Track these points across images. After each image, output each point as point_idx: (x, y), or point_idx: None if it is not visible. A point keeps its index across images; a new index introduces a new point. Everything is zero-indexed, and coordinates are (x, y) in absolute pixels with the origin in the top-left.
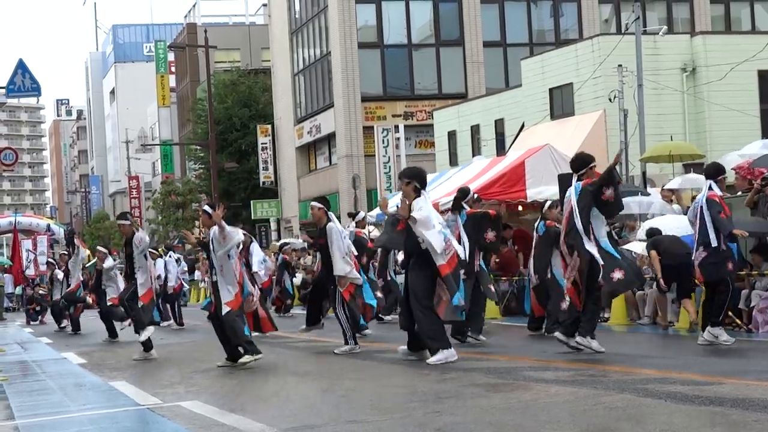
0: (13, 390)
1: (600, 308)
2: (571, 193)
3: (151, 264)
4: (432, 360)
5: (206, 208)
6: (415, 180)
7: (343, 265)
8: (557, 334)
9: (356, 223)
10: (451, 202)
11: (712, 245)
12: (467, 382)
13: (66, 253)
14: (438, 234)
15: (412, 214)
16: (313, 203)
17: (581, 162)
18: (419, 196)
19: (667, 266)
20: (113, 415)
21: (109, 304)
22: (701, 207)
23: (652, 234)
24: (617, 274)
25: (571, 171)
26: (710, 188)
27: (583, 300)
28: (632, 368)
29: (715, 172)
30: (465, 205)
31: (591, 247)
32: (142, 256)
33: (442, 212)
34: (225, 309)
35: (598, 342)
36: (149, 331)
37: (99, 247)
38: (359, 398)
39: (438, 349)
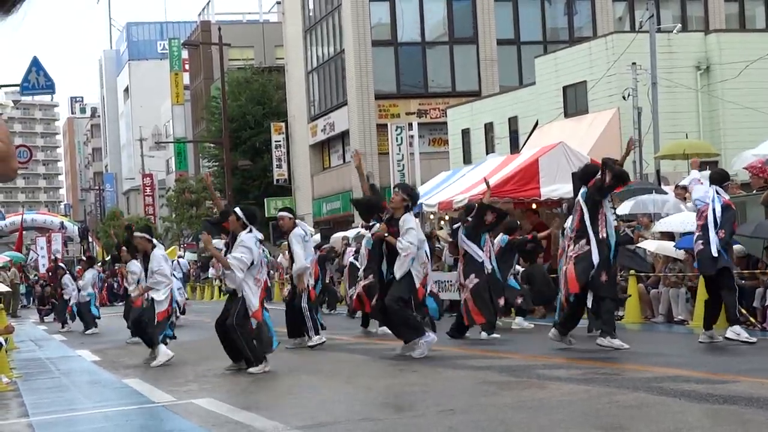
0: (28, 387)
1: (614, 306)
2: (580, 198)
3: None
4: (416, 353)
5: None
6: (410, 200)
7: (303, 265)
8: (551, 333)
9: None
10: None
11: (711, 244)
12: (481, 380)
13: (85, 259)
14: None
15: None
16: (283, 213)
17: (589, 173)
18: (406, 212)
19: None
20: (127, 413)
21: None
22: (716, 210)
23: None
24: (604, 277)
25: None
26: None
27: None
28: (646, 366)
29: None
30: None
31: (594, 246)
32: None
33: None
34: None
35: (620, 339)
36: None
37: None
38: (373, 396)
39: (414, 339)
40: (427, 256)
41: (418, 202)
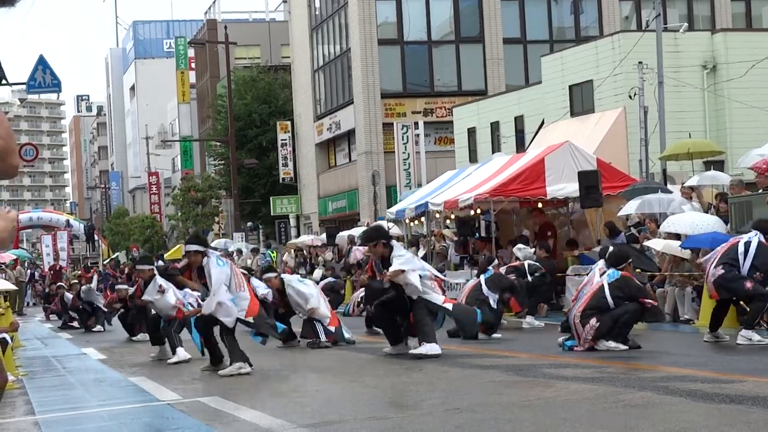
0: (34, 385)
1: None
2: (605, 275)
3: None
4: (415, 351)
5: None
6: (380, 239)
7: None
8: (560, 341)
9: None
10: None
11: (738, 270)
12: (487, 379)
13: (78, 282)
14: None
15: (396, 269)
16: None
17: (620, 258)
18: (391, 249)
19: None
20: (133, 411)
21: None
22: (750, 243)
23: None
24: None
25: (591, 170)
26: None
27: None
28: (652, 366)
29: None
30: (491, 269)
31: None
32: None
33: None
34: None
35: (616, 342)
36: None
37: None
38: (379, 395)
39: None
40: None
41: (424, 201)
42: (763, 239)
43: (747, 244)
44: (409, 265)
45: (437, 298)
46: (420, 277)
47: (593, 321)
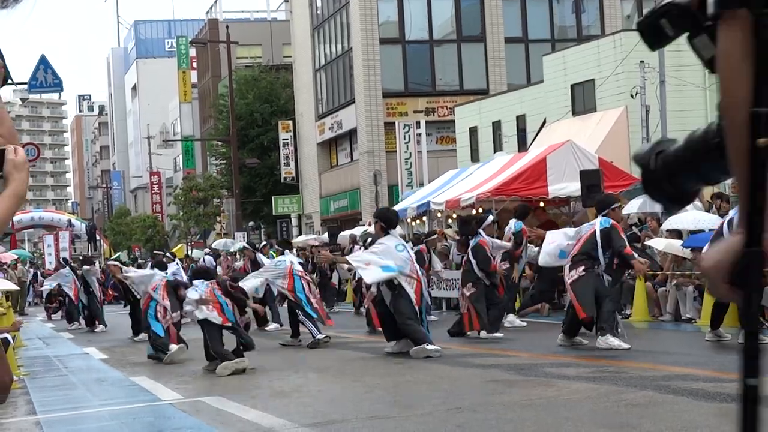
0: (35, 385)
1: (614, 309)
2: (596, 224)
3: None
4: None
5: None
6: (379, 220)
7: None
8: (559, 338)
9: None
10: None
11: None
12: (488, 378)
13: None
14: (374, 270)
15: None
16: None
17: (605, 204)
18: (386, 234)
19: None
20: (135, 411)
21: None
22: (733, 220)
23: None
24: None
25: (593, 169)
26: None
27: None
28: (654, 365)
29: None
30: (481, 232)
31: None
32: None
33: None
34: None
35: (619, 340)
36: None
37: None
38: (381, 394)
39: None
40: (417, 272)
41: (426, 201)
42: None
43: (730, 222)
44: (373, 256)
45: (409, 293)
46: (400, 273)
47: (581, 268)
